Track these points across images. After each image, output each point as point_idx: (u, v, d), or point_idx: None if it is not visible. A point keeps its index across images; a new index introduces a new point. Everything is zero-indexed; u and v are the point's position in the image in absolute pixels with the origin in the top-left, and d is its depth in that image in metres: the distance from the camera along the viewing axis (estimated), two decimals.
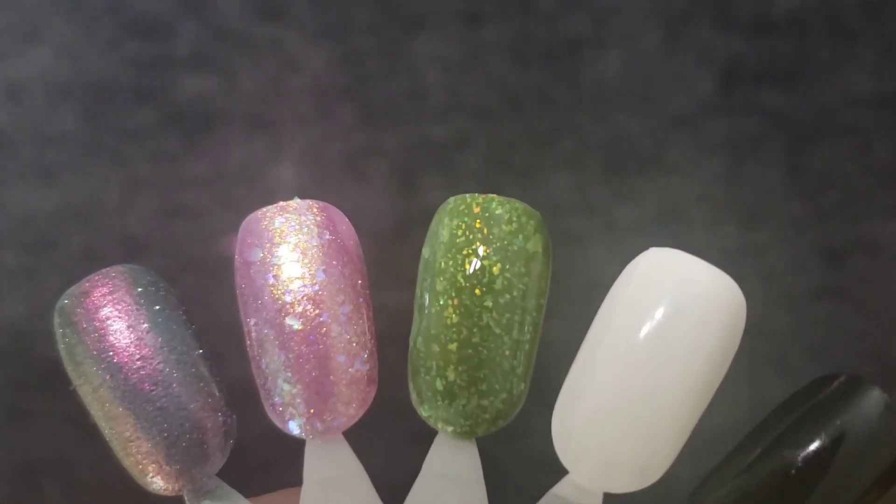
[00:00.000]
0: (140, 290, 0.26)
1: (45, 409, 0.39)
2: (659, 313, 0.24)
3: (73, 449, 0.39)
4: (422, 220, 0.27)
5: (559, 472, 0.27)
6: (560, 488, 0.26)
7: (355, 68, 0.40)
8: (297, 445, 0.28)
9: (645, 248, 0.26)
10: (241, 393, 0.27)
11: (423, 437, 0.27)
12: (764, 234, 0.40)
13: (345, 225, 0.27)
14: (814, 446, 0.24)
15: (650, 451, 0.24)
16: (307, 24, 0.40)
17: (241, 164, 0.40)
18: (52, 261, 0.40)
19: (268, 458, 0.31)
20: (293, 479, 0.28)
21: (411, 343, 0.27)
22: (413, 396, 0.26)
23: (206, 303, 0.31)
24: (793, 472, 0.24)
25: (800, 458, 0.24)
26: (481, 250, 0.25)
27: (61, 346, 0.26)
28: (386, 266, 0.33)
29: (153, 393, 0.25)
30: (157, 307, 0.26)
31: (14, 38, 0.40)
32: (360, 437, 0.27)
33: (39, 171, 0.40)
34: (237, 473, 0.28)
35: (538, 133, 0.40)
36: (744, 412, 0.27)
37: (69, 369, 0.26)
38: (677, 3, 0.40)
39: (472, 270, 0.25)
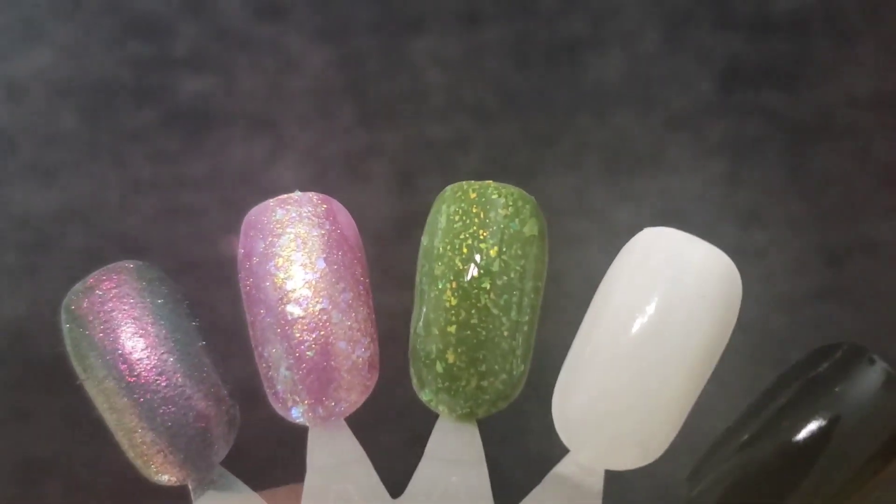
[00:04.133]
0: (144, 283, 0.26)
1: (45, 409, 0.39)
2: (656, 290, 0.24)
3: (73, 449, 0.39)
4: (422, 221, 0.27)
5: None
6: (562, 467, 0.26)
7: (355, 68, 0.40)
8: (298, 444, 0.28)
9: None
10: (242, 393, 0.27)
11: (425, 440, 0.27)
12: (764, 235, 0.40)
13: (344, 216, 0.27)
14: (812, 421, 0.24)
15: (651, 428, 0.24)
16: (307, 24, 0.40)
17: (241, 164, 0.40)
18: (52, 261, 0.40)
19: (268, 457, 0.31)
20: (293, 479, 0.28)
21: (412, 330, 0.26)
22: (414, 381, 0.26)
23: (206, 303, 0.31)
24: (791, 447, 0.24)
25: (798, 434, 0.24)
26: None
27: (67, 341, 0.26)
28: (386, 266, 0.33)
29: (157, 383, 0.26)
30: (161, 300, 0.26)
31: (14, 38, 0.40)
32: (360, 438, 0.27)
33: (39, 171, 0.40)
34: (237, 473, 0.28)
35: (538, 133, 0.40)
36: (743, 413, 0.27)
37: (75, 363, 0.26)
38: (677, 3, 0.40)
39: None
